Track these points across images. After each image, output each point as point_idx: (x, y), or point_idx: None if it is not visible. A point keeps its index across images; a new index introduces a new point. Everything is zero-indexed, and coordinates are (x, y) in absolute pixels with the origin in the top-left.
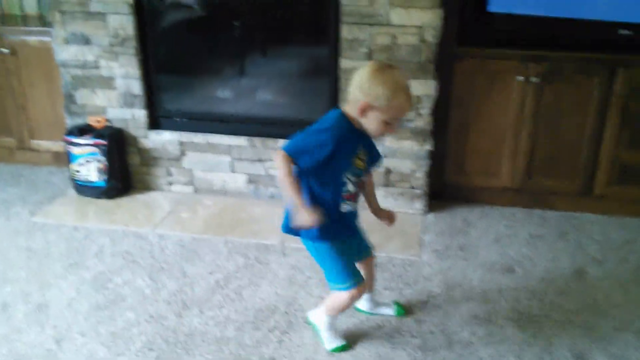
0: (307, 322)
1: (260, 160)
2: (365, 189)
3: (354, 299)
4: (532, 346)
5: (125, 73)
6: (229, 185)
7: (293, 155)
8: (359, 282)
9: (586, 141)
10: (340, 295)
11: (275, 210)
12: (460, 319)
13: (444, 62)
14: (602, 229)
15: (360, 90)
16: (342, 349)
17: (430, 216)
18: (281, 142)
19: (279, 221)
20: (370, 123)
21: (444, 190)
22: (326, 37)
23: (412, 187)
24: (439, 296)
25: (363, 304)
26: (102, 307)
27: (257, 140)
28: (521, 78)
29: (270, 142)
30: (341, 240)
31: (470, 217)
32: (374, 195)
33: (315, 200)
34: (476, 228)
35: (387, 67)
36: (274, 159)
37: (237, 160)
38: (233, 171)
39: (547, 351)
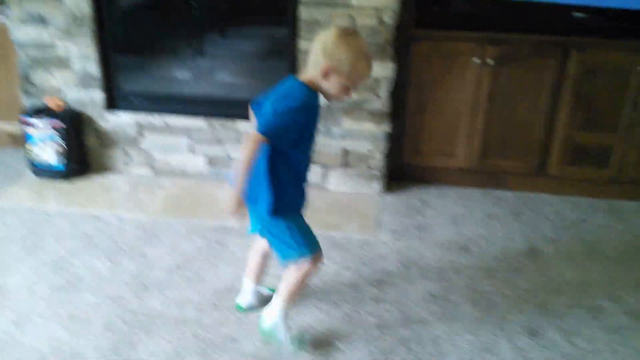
0: (261, 332)
1: (219, 142)
2: None
3: (307, 274)
4: (486, 323)
5: (82, 54)
6: (187, 167)
7: (271, 138)
8: (318, 248)
9: (541, 122)
10: (294, 273)
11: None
12: (416, 297)
13: (402, 44)
14: (556, 208)
15: (323, 53)
16: (302, 344)
17: (388, 197)
18: (240, 124)
19: None
20: (330, 87)
21: (401, 171)
22: (285, 18)
23: (370, 168)
24: (396, 275)
25: (247, 297)
26: (61, 290)
27: (216, 122)
28: (477, 60)
29: (229, 123)
30: (299, 210)
31: (427, 197)
32: None
33: (286, 178)
34: (433, 208)
35: (351, 32)
36: (246, 139)
37: (196, 142)
38: (192, 153)
39: (500, 327)
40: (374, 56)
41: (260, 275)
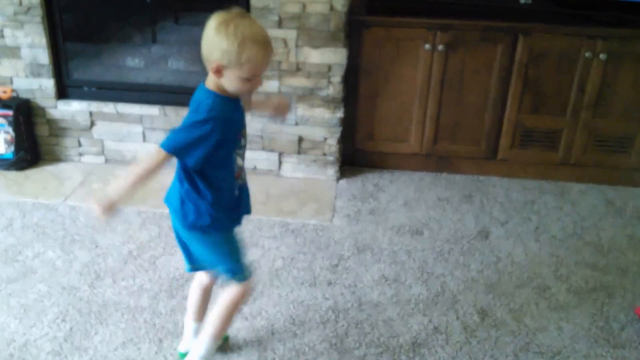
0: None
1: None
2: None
3: (246, 295)
4: (438, 304)
5: (31, 42)
6: (141, 155)
7: (175, 153)
8: (251, 274)
9: (490, 107)
10: (236, 290)
11: None
12: (370, 280)
13: (354, 30)
14: (505, 191)
15: (207, 49)
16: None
17: (342, 182)
18: None
19: None
20: (230, 84)
21: (355, 157)
22: (237, 4)
23: (325, 154)
24: (350, 259)
25: (187, 340)
26: (13, 280)
27: (169, 109)
28: (428, 46)
29: (183, 111)
30: (232, 228)
31: (380, 182)
32: (260, 103)
33: (212, 193)
34: (386, 192)
35: (232, 17)
36: (148, 153)
37: (149, 130)
38: (145, 141)
39: (452, 308)
40: (326, 43)
41: (203, 312)
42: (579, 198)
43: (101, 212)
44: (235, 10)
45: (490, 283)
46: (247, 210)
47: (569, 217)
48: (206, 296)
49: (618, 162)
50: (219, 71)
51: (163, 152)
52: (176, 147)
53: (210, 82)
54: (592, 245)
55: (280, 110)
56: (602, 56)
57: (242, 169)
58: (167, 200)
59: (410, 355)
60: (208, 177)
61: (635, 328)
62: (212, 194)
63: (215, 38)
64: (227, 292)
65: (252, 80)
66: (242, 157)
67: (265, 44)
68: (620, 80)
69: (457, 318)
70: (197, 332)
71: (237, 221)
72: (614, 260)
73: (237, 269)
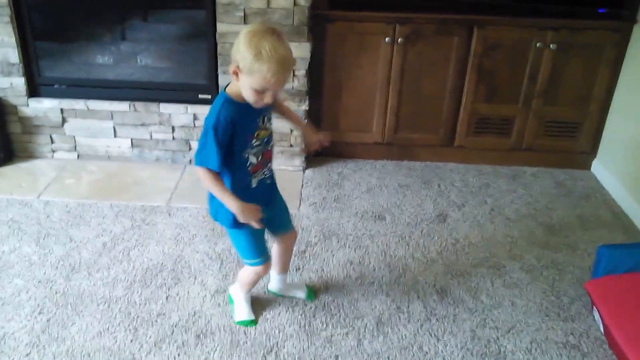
0: (228, 296)
1: (143, 125)
2: (284, 115)
3: (258, 275)
4: (400, 284)
5: (1, 41)
6: (112, 150)
7: (202, 164)
8: (263, 261)
9: (447, 97)
10: (247, 270)
11: (160, 173)
12: (336, 264)
13: (317, 25)
14: (462, 176)
15: (234, 50)
16: (247, 324)
17: (309, 171)
18: (163, 107)
19: (164, 183)
20: (243, 89)
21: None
22: (203, 1)
23: (291, 146)
24: (317, 245)
25: (274, 284)
26: None
27: (139, 105)
28: (388, 39)
29: (153, 106)
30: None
31: (344, 171)
32: (295, 118)
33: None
34: (350, 181)
35: (264, 31)
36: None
37: (120, 126)
38: (116, 136)
39: (413, 288)
40: (290, 37)
41: (281, 263)
42: (531, 181)
43: (252, 214)
44: (271, 26)
45: (449, 263)
46: (268, 201)
47: (521, 199)
48: (284, 246)
49: (567, 147)
50: (235, 73)
51: (200, 170)
52: (201, 161)
53: (231, 86)
54: (543, 225)
55: (309, 139)
56: (552, 46)
57: (260, 164)
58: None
59: (375, 334)
60: (223, 175)
61: (584, 302)
62: (233, 188)
63: (241, 43)
64: (242, 270)
65: (262, 93)
66: (257, 156)
67: (280, 63)
68: (569, 69)
69: (418, 297)
70: (280, 281)
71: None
72: (564, 238)
73: (249, 257)
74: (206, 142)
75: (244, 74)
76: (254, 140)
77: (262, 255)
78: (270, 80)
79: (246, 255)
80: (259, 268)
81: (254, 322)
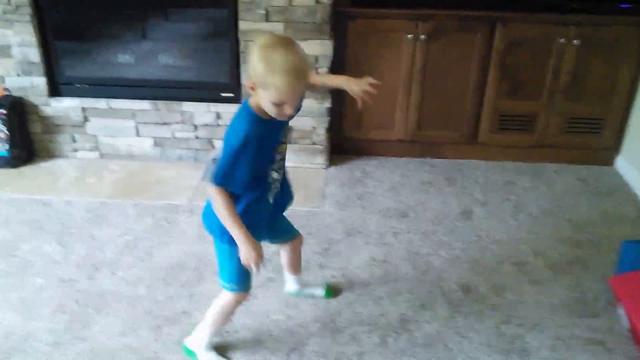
0: (184, 350)
1: (165, 124)
2: (324, 86)
3: (237, 303)
4: (423, 282)
5: (22, 41)
6: (134, 149)
7: (222, 185)
8: (246, 289)
9: (470, 94)
10: (223, 298)
11: (182, 172)
12: (360, 262)
13: (339, 22)
14: (485, 173)
15: (249, 67)
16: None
17: (331, 169)
18: (185, 105)
19: (186, 182)
20: (262, 103)
21: (343, 145)
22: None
23: (314, 143)
24: (340, 243)
25: (291, 285)
26: (11, 275)
27: (160, 104)
28: (410, 36)
29: (175, 105)
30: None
31: (367, 168)
32: (331, 80)
33: (242, 207)
34: (373, 178)
35: (274, 42)
36: (211, 195)
37: (142, 124)
38: (138, 135)
39: (437, 285)
40: (312, 35)
41: (292, 267)
42: (554, 178)
43: (252, 256)
44: (282, 35)
45: (473, 260)
46: (276, 215)
47: (545, 196)
48: (292, 251)
49: (590, 143)
50: (252, 88)
51: (213, 187)
52: (220, 180)
53: (253, 98)
54: (567, 221)
55: (355, 92)
56: (575, 42)
57: (280, 178)
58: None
59: (399, 331)
60: (236, 193)
61: (608, 298)
62: (240, 208)
63: (254, 57)
64: (219, 296)
65: (280, 105)
66: (279, 171)
67: (293, 74)
68: (592, 65)
69: (442, 295)
70: (296, 281)
71: (259, 236)
72: (587, 235)
73: (232, 280)
74: (228, 161)
75: (260, 88)
76: (277, 155)
77: (246, 282)
78: (286, 92)
79: (229, 278)
80: (239, 295)
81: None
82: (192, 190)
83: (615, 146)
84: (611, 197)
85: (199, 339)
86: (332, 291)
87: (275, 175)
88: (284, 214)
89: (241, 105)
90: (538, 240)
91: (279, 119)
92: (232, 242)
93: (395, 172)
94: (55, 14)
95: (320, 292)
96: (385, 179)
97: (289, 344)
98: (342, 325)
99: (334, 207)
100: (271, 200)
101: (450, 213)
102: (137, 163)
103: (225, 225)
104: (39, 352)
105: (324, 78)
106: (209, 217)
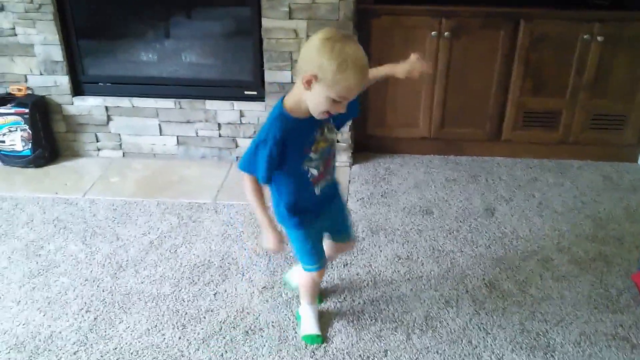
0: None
1: (188, 122)
2: (379, 79)
3: (314, 280)
4: (448, 279)
5: (44, 39)
6: (158, 147)
7: (248, 172)
8: (319, 267)
9: (494, 90)
10: (302, 275)
11: (206, 170)
12: (384, 259)
13: (362, 19)
14: (509, 170)
15: (306, 59)
16: (312, 339)
17: (356, 167)
18: (209, 103)
19: (210, 180)
20: (314, 99)
21: (367, 143)
22: None
23: (338, 141)
24: (364, 240)
25: (294, 276)
26: (36, 274)
27: (184, 102)
28: (434, 33)
29: (198, 103)
30: (311, 226)
31: (391, 166)
32: (383, 71)
33: (288, 197)
34: (397, 176)
35: (340, 36)
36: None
37: (165, 123)
38: (162, 134)
39: (461, 282)
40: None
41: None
42: (578, 174)
43: (274, 243)
44: (343, 31)
45: (497, 257)
46: (329, 208)
47: (569, 192)
48: (336, 250)
49: (614, 139)
50: (309, 83)
51: (241, 172)
52: (247, 168)
53: (291, 96)
54: (591, 218)
55: (412, 73)
56: (599, 38)
57: (321, 174)
58: None
59: (423, 328)
60: (281, 186)
61: (632, 293)
62: (287, 198)
63: (318, 52)
64: (299, 276)
65: (339, 102)
66: (318, 167)
67: (363, 71)
68: (616, 62)
69: (467, 292)
70: None
71: (315, 220)
72: (611, 231)
73: (304, 261)
74: (256, 153)
75: (323, 84)
76: (312, 153)
77: (319, 261)
78: (353, 89)
79: (303, 259)
80: (314, 274)
81: (320, 338)
82: (217, 188)
83: (638, 143)
84: (635, 194)
85: (305, 309)
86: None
87: (313, 171)
88: (347, 217)
89: (277, 102)
90: (562, 236)
91: (325, 116)
92: (293, 226)
93: (419, 170)
94: (78, 12)
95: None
96: (409, 177)
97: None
98: (366, 322)
99: (358, 204)
100: (318, 192)
101: (474, 210)
102: (161, 162)
103: (252, 209)
104: (65, 352)
105: (371, 72)
106: (274, 207)
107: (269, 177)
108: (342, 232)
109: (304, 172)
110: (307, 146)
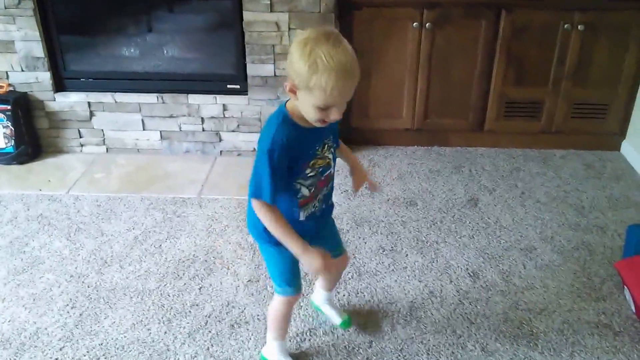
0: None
1: (172, 117)
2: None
3: (289, 305)
4: (432, 269)
5: (25, 35)
6: (141, 143)
7: (259, 198)
8: (296, 291)
9: (476, 81)
10: (275, 301)
11: (190, 165)
12: (368, 251)
13: (344, 11)
14: (492, 160)
15: (287, 65)
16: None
17: (339, 159)
18: (192, 97)
19: (194, 175)
20: (302, 107)
21: (351, 135)
22: None
23: None
24: (349, 232)
25: (317, 297)
26: (21, 271)
27: (167, 97)
28: (416, 24)
29: (181, 97)
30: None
31: (375, 157)
32: (350, 159)
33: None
34: (381, 167)
35: (317, 37)
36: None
37: (148, 118)
38: (145, 129)
39: (445, 273)
40: (317, 24)
41: (327, 283)
42: (560, 164)
43: (316, 264)
44: (326, 29)
45: (481, 247)
46: (316, 235)
47: (552, 182)
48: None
49: (596, 128)
50: (292, 91)
51: (257, 202)
52: (257, 193)
53: (290, 101)
54: (574, 207)
55: (359, 181)
56: (580, 27)
57: (312, 197)
58: None
59: (408, 319)
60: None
61: (615, 281)
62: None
63: (293, 56)
64: (270, 307)
65: (325, 110)
66: (310, 187)
67: (342, 73)
68: (597, 50)
69: (451, 282)
70: (325, 297)
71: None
72: (594, 220)
73: (278, 283)
74: (259, 169)
75: (302, 90)
76: (308, 170)
77: (295, 283)
78: (331, 94)
79: (277, 280)
80: (289, 299)
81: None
82: (201, 183)
83: (621, 131)
84: (617, 182)
85: (271, 347)
86: (350, 323)
87: (304, 191)
88: (335, 235)
89: (276, 111)
90: (545, 225)
91: (321, 124)
92: (268, 242)
93: (403, 161)
94: (59, 7)
95: (337, 319)
96: (393, 168)
97: (299, 333)
98: (351, 314)
99: (342, 197)
100: (302, 218)
101: (457, 201)
102: (145, 157)
103: (278, 238)
104: (51, 348)
105: (344, 147)
106: (249, 219)
107: (275, 195)
108: (332, 250)
109: (295, 191)
110: (306, 160)
